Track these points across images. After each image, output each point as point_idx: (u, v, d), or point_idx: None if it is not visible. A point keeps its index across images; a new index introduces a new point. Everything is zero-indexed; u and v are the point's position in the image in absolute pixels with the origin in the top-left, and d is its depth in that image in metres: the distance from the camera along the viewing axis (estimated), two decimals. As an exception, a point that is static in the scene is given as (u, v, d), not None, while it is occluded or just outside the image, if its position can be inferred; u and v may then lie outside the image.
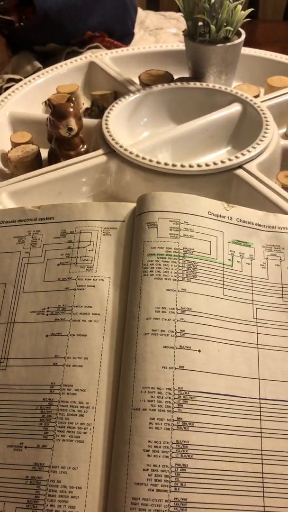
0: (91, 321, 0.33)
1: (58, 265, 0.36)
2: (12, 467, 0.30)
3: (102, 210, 0.37)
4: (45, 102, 0.61)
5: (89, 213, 0.37)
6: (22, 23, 0.75)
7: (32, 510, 0.29)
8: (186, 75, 0.65)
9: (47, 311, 0.34)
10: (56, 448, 0.30)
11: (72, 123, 0.48)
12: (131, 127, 0.56)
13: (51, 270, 0.36)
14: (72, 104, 0.49)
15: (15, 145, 0.53)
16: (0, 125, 0.56)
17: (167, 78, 0.65)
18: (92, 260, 0.35)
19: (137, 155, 0.47)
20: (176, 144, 0.52)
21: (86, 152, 0.51)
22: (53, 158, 0.51)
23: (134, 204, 0.38)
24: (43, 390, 0.32)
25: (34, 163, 0.51)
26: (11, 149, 0.53)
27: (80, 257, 0.36)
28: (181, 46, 0.71)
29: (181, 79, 0.63)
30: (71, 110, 0.48)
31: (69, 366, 0.32)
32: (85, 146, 0.51)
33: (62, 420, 0.30)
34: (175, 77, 0.65)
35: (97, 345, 0.32)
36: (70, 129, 0.48)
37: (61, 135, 0.49)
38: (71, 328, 0.33)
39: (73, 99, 0.49)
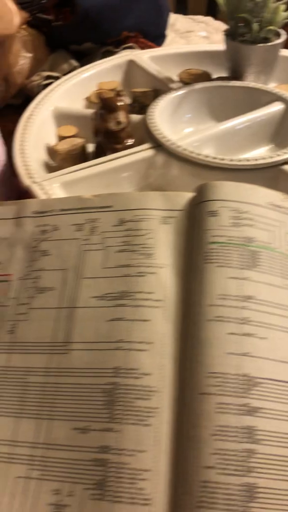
0: (153, 307, 0.33)
1: (117, 252, 0.36)
2: (78, 449, 0.30)
3: (159, 199, 0.38)
4: (87, 98, 0.62)
5: (147, 202, 0.38)
6: (60, 22, 0.76)
7: (101, 491, 0.29)
8: (223, 74, 0.66)
9: (108, 297, 0.35)
10: (122, 431, 0.30)
11: (121, 116, 0.49)
12: (174, 123, 0.56)
13: (110, 257, 0.36)
14: (121, 98, 0.49)
15: (61, 138, 0.54)
16: (45, 119, 0.57)
17: (206, 77, 0.66)
18: (151, 247, 0.36)
19: (184, 149, 0.48)
20: (220, 140, 0.52)
21: (132, 146, 0.51)
22: (100, 152, 0.52)
23: (191, 194, 0.38)
24: (106, 374, 0.32)
25: (81, 156, 0.52)
26: (58, 142, 0.53)
27: (139, 244, 0.36)
28: (215, 47, 0.72)
29: (220, 78, 0.63)
30: (121, 104, 0.49)
31: (133, 350, 0.32)
32: (132, 140, 0.51)
33: (128, 404, 0.30)
34: (213, 76, 0.65)
35: (160, 331, 0.33)
36: (119, 123, 0.49)
37: (109, 129, 0.49)
38: (133, 313, 0.33)
39: (122, 93, 0.49)
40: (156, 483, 0.28)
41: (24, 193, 0.51)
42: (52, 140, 0.56)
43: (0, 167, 0.49)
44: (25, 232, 0.40)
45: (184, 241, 0.36)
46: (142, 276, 0.35)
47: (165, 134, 0.50)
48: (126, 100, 0.50)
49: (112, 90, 0.63)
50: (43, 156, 0.54)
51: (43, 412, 0.32)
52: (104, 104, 0.49)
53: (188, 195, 0.38)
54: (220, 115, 0.58)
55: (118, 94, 0.50)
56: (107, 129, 0.49)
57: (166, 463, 0.29)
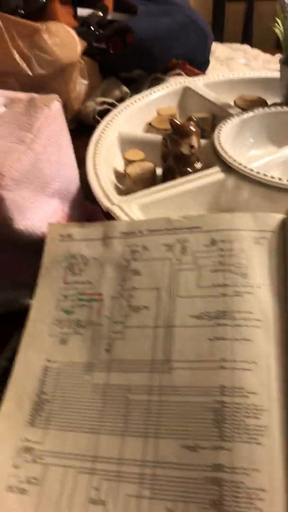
0: (253, 326, 0.34)
1: (212, 272, 0.37)
2: (189, 467, 0.30)
3: (250, 220, 0.39)
4: (149, 123, 0.63)
5: (238, 223, 0.39)
6: (113, 51, 0.79)
7: (218, 511, 0.29)
8: (277, 101, 0.67)
9: (206, 316, 0.35)
10: (234, 449, 0.30)
11: (195, 141, 0.50)
12: (238, 148, 0.57)
13: (205, 276, 0.37)
14: (193, 123, 0.51)
15: (129, 162, 0.55)
16: (111, 144, 0.59)
17: (261, 103, 0.67)
18: (246, 267, 0.36)
19: (257, 172, 0.49)
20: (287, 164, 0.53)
21: (201, 169, 0.52)
22: (169, 175, 0.53)
23: (281, 215, 0.39)
24: (213, 393, 0.32)
25: (151, 179, 0.53)
26: (127, 166, 0.55)
27: (234, 264, 0.37)
28: (268, 75, 0.74)
29: (275, 104, 0.65)
30: (194, 129, 0.50)
31: (238, 369, 0.32)
32: (200, 164, 0.53)
33: (237, 422, 0.31)
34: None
35: (263, 350, 0.33)
36: (192, 147, 0.50)
37: (182, 153, 0.51)
38: (234, 333, 0.34)
39: (194, 119, 0.51)
40: (273, 503, 0.28)
41: (93, 216, 0.53)
42: (119, 164, 0.58)
43: (75, 190, 0.51)
44: (114, 253, 0.41)
45: (278, 262, 0.37)
46: (239, 296, 0.35)
47: (235, 158, 0.51)
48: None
49: (169, 116, 0.64)
50: (113, 179, 0.55)
51: (148, 430, 0.32)
52: (178, 129, 0.50)
53: (278, 216, 0.38)
54: (281, 140, 0.59)
55: (191, 119, 0.51)
56: (179, 153, 0.51)
57: (282, 483, 0.29)
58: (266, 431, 0.30)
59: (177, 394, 0.33)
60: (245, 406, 0.31)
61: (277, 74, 0.66)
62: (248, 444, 0.30)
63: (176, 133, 0.51)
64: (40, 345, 0.38)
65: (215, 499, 0.29)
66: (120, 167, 0.59)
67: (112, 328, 0.37)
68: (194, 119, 0.51)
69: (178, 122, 0.51)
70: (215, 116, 0.65)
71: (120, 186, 0.55)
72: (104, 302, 0.39)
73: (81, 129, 0.60)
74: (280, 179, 0.48)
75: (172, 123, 0.51)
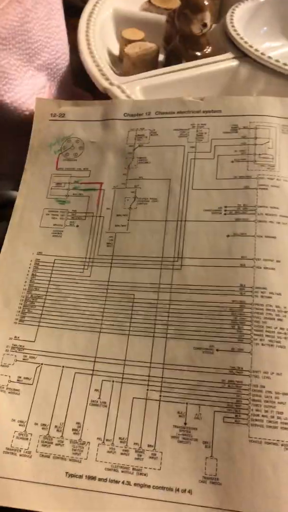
0: (279, 222, 0.30)
1: (232, 162, 0.32)
2: (203, 370, 0.28)
3: (278, 105, 0.34)
4: (148, 1, 0.55)
5: (264, 108, 0.33)
6: None
7: (235, 415, 0.26)
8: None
9: (225, 210, 0.31)
10: (255, 352, 0.27)
11: (208, 18, 0.43)
12: (250, 37, 0.50)
13: (224, 167, 0.32)
14: (207, -3, 0.43)
15: (128, 42, 0.48)
16: (104, 22, 0.50)
17: (274, -10, 0.59)
18: (273, 158, 0.32)
19: (277, 60, 0.43)
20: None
21: (212, 54, 0.46)
22: (174, 59, 0.46)
23: (313, 102, 0.34)
24: (231, 292, 0.29)
25: (154, 61, 0.46)
26: (125, 45, 0.47)
27: (259, 154, 0.32)
28: None
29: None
30: (207, 3, 0.43)
31: (260, 268, 0.29)
32: (211, 48, 0.46)
33: (259, 324, 0.28)
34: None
35: (289, 249, 0.29)
36: (205, 25, 0.43)
37: (192, 32, 0.44)
38: (257, 229, 0.30)
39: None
40: (295, 407, 0.26)
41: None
42: (113, 47, 0.50)
43: (64, 67, 0.43)
44: (116, 136, 0.35)
45: (308, 154, 0.32)
46: (264, 189, 0.31)
47: (251, 43, 0.45)
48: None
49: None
50: (108, 62, 0.48)
51: (157, 330, 0.29)
52: (188, 3, 0.43)
53: (310, 103, 0.34)
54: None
55: (204, -9, 0.44)
56: (189, 32, 0.44)
57: (305, 387, 0.27)
58: (290, 334, 0.27)
59: (190, 292, 0.29)
60: (268, 307, 0.28)
61: None
62: (270, 347, 0.27)
63: (187, 6, 0.43)
64: (30, 236, 0.33)
65: (232, 402, 0.26)
66: (115, 50, 0.51)
67: (115, 221, 0.33)
68: (208, -9, 0.44)
69: (190, -7, 0.43)
70: (223, 0, 0.57)
71: (115, 70, 0.48)
72: (105, 192, 0.34)
73: (66, 12, 0.50)
74: (301, 69, 0.42)
75: (182, -7, 0.43)
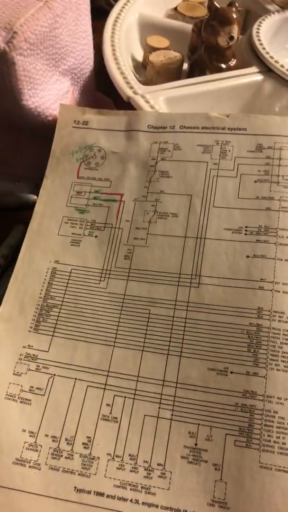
0: (300, 246, 0.30)
1: (255, 182, 0.32)
2: (216, 391, 0.27)
3: (304, 127, 0.33)
4: (175, 8, 0.55)
5: (290, 129, 0.33)
6: None
7: (247, 439, 0.26)
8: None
9: (245, 231, 0.31)
10: (270, 377, 0.27)
11: (235, 31, 0.43)
12: (275, 52, 0.50)
13: (247, 186, 0.32)
14: (235, 10, 0.43)
15: (152, 49, 0.48)
16: (129, 27, 0.50)
17: (301, 3, 0.59)
18: (296, 180, 0.32)
19: (302, 78, 0.43)
20: None
21: (236, 67, 0.46)
22: (198, 69, 0.46)
23: None
24: (248, 314, 0.29)
25: (178, 71, 0.46)
26: (150, 53, 0.47)
27: (283, 176, 0.32)
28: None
29: None
30: (235, 16, 0.43)
31: (279, 292, 0.29)
32: (236, 61, 0.46)
33: (275, 349, 0.28)
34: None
35: (308, 273, 0.29)
36: (232, 38, 0.43)
37: (218, 44, 0.44)
38: (278, 252, 0.30)
39: (236, 4, 0.43)
40: (307, 435, 0.26)
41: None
42: (137, 53, 0.50)
43: (88, 72, 0.43)
44: (139, 148, 0.35)
45: None
46: (287, 211, 0.31)
47: (277, 58, 0.44)
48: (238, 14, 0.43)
49: (199, 3, 0.56)
50: (131, 66, 0.48)
51: (172, 349, 0.29)
52: (217, 14, 0.43)
53: None
54: None
55: (233, 4, 0.43)
56: (215, 44, 0.44)
57: None
58: (306, 360, 0.27)
59: (206, 312, 0.29)
60: (284, 332, 0.28)
61: None
62: (285, 373, 0.27)
63: (214, 18, 0.43)
64: (48, 244, 0.33)
65: (244, 426, 0.26)
66: (139, 56, 0.51)
67: (133, 234, 0.32)
68: (237, 5, 0.44)
69: (218, 5, 0.43)
70: (249, 12, 0.57)
71: (138, 77, 0.48)
72: (125, 204, 0.34)
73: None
74: None
75: (211, 5, 0.43)
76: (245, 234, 0.31)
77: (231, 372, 0.28)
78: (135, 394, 0.28)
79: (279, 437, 0.26)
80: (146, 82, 0.46)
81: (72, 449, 0.27)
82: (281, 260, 0.30)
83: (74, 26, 0.39)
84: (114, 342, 0.30)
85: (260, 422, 0.26)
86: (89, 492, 0.26)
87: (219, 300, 0.29)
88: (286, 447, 0.26)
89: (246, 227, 0.31)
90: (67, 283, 0.32)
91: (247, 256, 0.30)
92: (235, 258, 0.30)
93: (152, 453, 0.27)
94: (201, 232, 0.31)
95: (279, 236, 0.30)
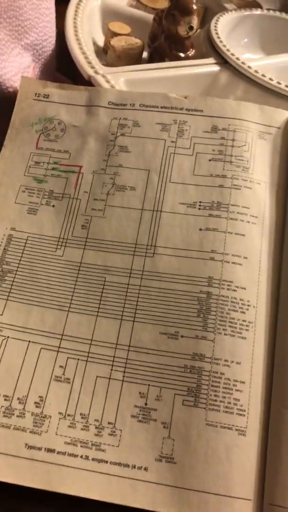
0: (249, 222, 0.32)
1: (210, 160, 0.34)
2: (167, 354, 0.29)
3: (256, 112, 0.35)
4: (136, -2, 0.56)
5: (244, 113, 0.35)
6: None
7: (194, 398, 0.27)
8: (271, 7, 0.62)
9: (199, 205, 0.32)
10: (217, 341, 0.29)
11: (195, 21, 0.45)
12: (232, 47, 0.52)
13: (202, 164, 0.34)
14: (195, 1, 0.45)
15: (114, 35, 0.49)
16: (91, 13, 0.51)
17: (256, 6, 0.62)
18: (248, 161, 0.33)
19: (256, 71, 0.45)
20: (282, 71, 0.50)
21: (194, 57, 0.47)
22: (157, 57, 0.48)
23: (289, 113, 0.36)
24: (199, 283, 0.30)
25: (138, 57, 0.47)
26: (111, 38, 0.48)
27: (235, 156, 0.34)
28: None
29: (271, 9, 0.60)
30: (195, 7, 0.45)
31: (228, 262, 0.30)
32: (194, 51, 0.48)
33: (223, 315, 0.29)
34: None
35: (256, 247, 0.31)
36: (191, 28, 0.45)
37: (178, 33, 0.45)
38: (228, 226, 0.31)
39: (195, -4, 0.45)
40: (251, 395, 0.28)
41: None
42: (99, 38, 0.50)
43: (50, 50, 0.43)
44: (99, 123, 0.36)
45: (280, 161, 0.34)
46: (238, 189, 0.33)
47: (233, 51, 0.47)
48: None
49: (160, -4, 0.57)
50: (92, 50, 0.48)
51: (126, 314, 0.30)
52: (178, 4, 0.44)
53: (286, 113, 0.36)
54: (276, 47, 0.55)
55: (193, -5, 0.45)
56: (175, 33, 0.45)
57: (262, 378, 0.28)
58: (251, 326, 0.29)
59: (160, 280, 0.30)
60: (232, 299, 0.29)
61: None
62: (232, 337, 0.29)
63: (176, 8, 0.44)
64: (4, 211, 0.33)
65: (192, 387, 0.28)
66: (100, 41, 0.52)
67: (91, 205, 0.33)
68: (197, -4, 0.45)
69: (180, -4, 0.45)
70: (208, 9, 0.59)
71: (99, 61, 0.48)
72: (84, 175, 0.34)
73: None
74: (278, 82, 0.44)
75: (172, -5, 0.45)
76: (199, 208, 0.32)
77: (182, 336, 0.29)
78: (88, 356, 0.29)
79: (224, 397, 0.27)
80: (106, 66, 0.47)
81: (24, 408, 0.27)
82: (231, 233, 0.31)
83: (37, 1, 0.39)
84: (69, 307, 0.30)
85: (208, 383, 0.28)
86: (39, 449, 0.26)
87: (172, 269, 0.31)
88: (231, 406, 0.27)
89: (200, 202, 0.32)
90: (23, 250, 0.32)
91: (200, 229, 0.32)
92: (188, 230, 0.32)
93: (103, 412, 0.27)
94: (158, 205, 0.33)
95: (230, 212, 0.32)
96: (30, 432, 0.27)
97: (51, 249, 0.32)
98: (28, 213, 0.33)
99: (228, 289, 0.30)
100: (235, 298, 0.30)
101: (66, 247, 0.32)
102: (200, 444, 0.27)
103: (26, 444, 0.26)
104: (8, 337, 0.29)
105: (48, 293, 0.30)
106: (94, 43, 0.51)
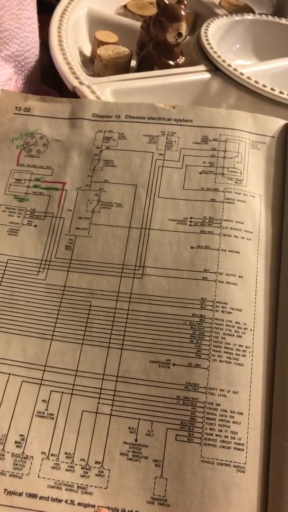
0: (243, 238, 0.30)
1: (201, 173, 0.32)
2: (158, 384, 0.26)
3: (249, 121, 0.33)
4: (125, 5, 0.54)
5: (235, 122, 0.33)
6: None
7: (188, 433, 0.25)
8: (263, 11, 0.61)
9: (190, 221, 0.30)
10: (212, 368, 0.26)
11: (183, 28, 0.43)
12: (223, 53, 0.51)
13: (192, 177, 0.32)
14: (183, 7, 0.43)
15: (100, 44, 0.47)
16: (77, 21, 0.49)
17: (248, 10, 0.60)
18: (241, 173, 0.32)
19: (248, 77, 0.43)
20: (275, 77, 0.48)
21: (184, 65, 0.46)
22: (146, 65, 0.46)
23: (283, 121, 0.34)
24: (192, 305, 0.28)
25: (126, 66, 0.45)
26: (98, 47, 0.46)
27: (227, 168, 0.32)
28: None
29: (263, 14, 0.58)
30: (183, 13, 0.43)
31: (222, 282, 0.28)
32: (184, 58, 0.46)
33: (218, 339, 0.27)
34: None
35: (252, 264, 0.29)
36: (180, 35, 0.43)
37: (166, 41, 0.43)
38: (222, 243, 0.29)
39: (185, 1, 0.43)
40: (249, 427, 0.25)
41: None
42: (85, 48, 0.49)
43: (33, 61, 0.42)
44: (83, 137, 0.34)
45: (275, 171, 0.32)
46: (231, 203, 0.31)
47: (224, 58, 0.45)
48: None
49: (149, 3, 0.56)
50: (79, 62, 0.47)
51: (113, 341, 0.28)
52: (166, 11, 0.43)
53: (280, 122, 0.34)
54: (268, 53, 0.53)
55: (182, 2, 0.43)
56: (163, 40, 0.43)
57: (261, 407, 0.26)
58: (249, 351, 0.27)
59: (149, 303, 0.28)
60: (228, 323, 0.27)
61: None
62: (228, 364, 0.26)
63: (163, 14, 0.43)
64: (-16, 233, 0.31)
65: (185, 420, 0.26)
66: (87, 51, 0.50)
67: (76, 224, 0.31)
68: (185, 2, 0.44)
69: (167, 2, 0.43)
70: (198, 15, 0.57)
71: (85, 71, 0.47)
72: (67, 192, 0.32)
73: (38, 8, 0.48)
74: (272, 89, 0.43)
75: (160, 1, 0.43)
76: (190, 225, 0.30)
77: (173, 364, 0.27)
78: (73, 389, 0.27)
79: (221, 430, 0.25)
80: (93, 75, 0.45)
81: (3, 449, 0.25)
82: (225, 251, 0.29)
83: (17, 11, 0.37)
84: (52, 335, 0.28)
85: (202, 415, 0.25)
86: (20, 494, 0.24)
87: (162, 291, 0.29)
88: (228, 440, 0.25)
89: (191, 218, 0.30)
90: (3, 274, 0.30)
91: (191, 247, 0.30)
92: (179, 248, 0.30)
93: (89, 451, 0.25)
94: (146, 222, 0.31)
95: (223, 227, 0.30)
96: (10, 475, 0.24)
97: (33, 272, 0.30)
98: (8, 234, 0.31)
99: (222, 311, 0.28)
100: (230, 321, 0.27)
101: (49, 270, 0.30)
102: (195, 483, 0.24)
103: (5, 490, 0.24)
104: (-14, 369, 0.27)
105: (29, 321, 0.28)
106: (81, 53, 0.49)
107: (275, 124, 0.33)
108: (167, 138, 0.33)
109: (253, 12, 0.59)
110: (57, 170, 0.33)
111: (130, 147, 0.33)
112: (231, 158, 0.32)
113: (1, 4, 0.34)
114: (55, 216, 0.31)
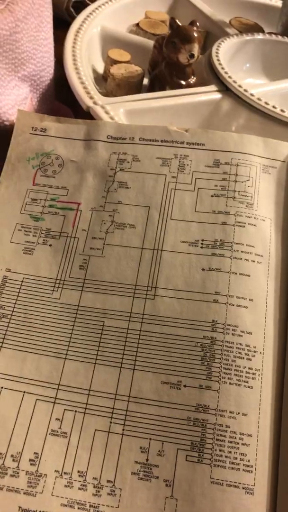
0: (254, 261, 0.30)
1: (212, 196, 0.32)
2: (169, 405, 0.27)
3: (260, 145, 0.34)
4: (137, 24, 0.55)
5: (247, 146, 0.34)
6: None
7: (198, 453, 0.26)
8: (273, 30, 0.62)
9: (202, 244, 0.31)
10: (222, 390, 0.27)
11: (196, 49, 0.44)
12: (234, 73, 0.51)
13: (204, 200, 0.32)
14: (196, 29, 0.44)
15: (113, 62, 0.48)
16: (91, 39, 0.50)
17: (258, 30, 0.61)
18: (252, 197, 0.32)
19: (258, 98, 0.44)
20: (285, 97, 0.49)
21: (195, 85, 0.47)
22: (158, 85, 0.47)
23: (294, 145, 0.35)
24: (203, 327, 0.29)
25: (138, 84, 0.46)
26: (111, 65, 0.47)
27: (239, 191, 0.32)
28: (267, 1, 0.68)
29: (272, 33, 0.59)
30: (196, 35, 0.44)
31: (233, 305, 0.29)
32: (195, 78, 0.47)
33: (228, 362, 0.28)
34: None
35: (262, 288, 0.30)
36: (192, 56, 0.44)
37: (178, 61, 0.44)
38: (233, 266, 0.30)
39: (197, 23, 0.44)
40: (258, 449, 0.26)
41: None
42: (98, 66, 0.50)
43: (48, 80, 0.43)
44: (98, 158, 0.35)
45: (285, 195, 0.33)
46: (242, 226, 0.31)
47: (235, 78, 0.46)
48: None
49: (160, 21, 0.57)
50: (91, 77, 0.48)
51: (126, 362, 0.28)
52: (178, 32, 0.44)
53: (291, 146, 0.34)
54: (278, 72, 0.54)
55: (194, 23, 0.44)
56: (176, 60, 0.44)
57: (270, 430, 0.27)
58: (258, 374, 0.27)
59: (161, 324, 0.29)
60: (238, 345, 0.28)
61: (275, 3, 0.61)
62: (238, 387, 0.27)
63: (176, 35, 0.44)
64: None
65: (196, 441, 0.26)
66: (99, 68, 0.51)
67: (90, 244, 0.32)
68: (198, 24, 0.44)
69: (180, 23, 0.44)
70: (209, 33, 0.58)
71: (98, 89, 0.48)
72: (82, 213, 0.33)
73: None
74: (282, 110, 0.43)
75: (173, 23, 0.44)
76: (201, 247, 0.31)
77: (184, 386, 0.27)
78: (86, 408, 0.27)
79: (230, 452, 0.26)
80: (106, 94, 0.46)
81: (18, 466, 0.26)
82: (236, 273, 0.30)
83: (35, 32, 0.38)
84: (66, 354, 0.29)
85: (212, 437, 0.26)
86: (34, 512, 0.25)
87: (174, 312, 0.29)
88: (237, 461, 0.26)
89: (203, 240, 0.31)
90: (18, 292, 0.31)
91: (203, 269, 0.30)
92: (190, 270, 0.30)
93: (102, 470, 0.26)
94: (158, 244, 0.31)
95: (234, 250, 0.30)
96: (24, 493, 0.25)
97: (48, 291, 0.31)
98: (24, 253, 0.32)
99: (233, 334, 0.28)
100: (240, 344, 0.28)
101: (63, 289, 0.31)
102: (205, 504, 0.25)
103: (20, 508, 0.25)
104: (2, 387, 0.28)
105: (44, 339, 0.29)
106: (94, 70, 0.50)
107: (286, 148, 0.34)
108: (179, 161, 0.34)
109: (263, 31, 0.60)
110: (72, 191, 0.34)
111: (144, 169, 0.34)
112: (242, 182, 0.33)
113: (20, 28, 0.35)
114: (69, 236, 0.32)
